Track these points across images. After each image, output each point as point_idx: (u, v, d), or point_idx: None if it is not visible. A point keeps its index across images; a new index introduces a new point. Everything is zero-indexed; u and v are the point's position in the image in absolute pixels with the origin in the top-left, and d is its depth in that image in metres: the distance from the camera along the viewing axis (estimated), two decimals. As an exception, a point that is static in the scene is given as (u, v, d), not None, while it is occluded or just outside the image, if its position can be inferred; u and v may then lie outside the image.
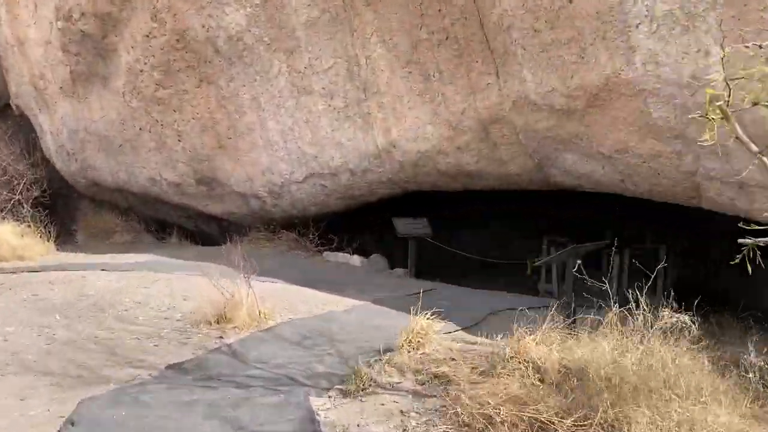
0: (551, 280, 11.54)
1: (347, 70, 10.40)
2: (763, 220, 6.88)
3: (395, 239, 12.14)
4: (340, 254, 12.44)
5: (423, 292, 7.04)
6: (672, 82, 6.41)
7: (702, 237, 12.49)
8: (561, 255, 7.63)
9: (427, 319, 5.80)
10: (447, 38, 8.90)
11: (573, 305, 6.83)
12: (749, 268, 3.96)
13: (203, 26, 11.13)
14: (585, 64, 7.20)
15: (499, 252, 14.38)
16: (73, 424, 4.40)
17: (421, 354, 5.56)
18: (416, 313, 5.82)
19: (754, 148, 3.84)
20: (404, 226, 11.35)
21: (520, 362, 4.93)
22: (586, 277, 5.48)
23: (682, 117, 6.57)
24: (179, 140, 12.79)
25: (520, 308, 6.76)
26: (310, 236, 12.84)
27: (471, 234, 15.36)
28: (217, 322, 6.56)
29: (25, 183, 14.72)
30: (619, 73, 6.85)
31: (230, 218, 14.04)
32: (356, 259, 12.13)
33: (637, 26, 6.49)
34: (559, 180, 9.53)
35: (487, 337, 6.20)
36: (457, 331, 6.75)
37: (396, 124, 10.30)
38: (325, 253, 12.64)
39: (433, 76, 9.40)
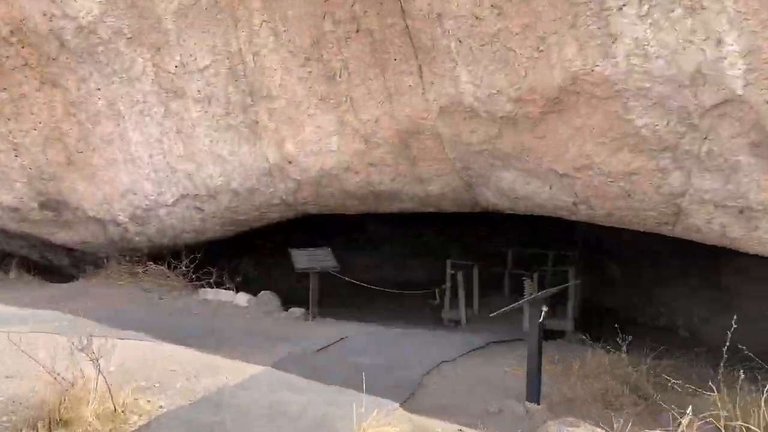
0: (457, 306, 10.24)
1: (229, 70, 8.40)
2: (762, 252, 5.73)
3: (288, 265, 10.17)
4: (222, 291, 10.23)
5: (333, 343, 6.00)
6: (667, 80, 5.03)
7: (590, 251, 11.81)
8: (526, 301, 6.06)
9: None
10: (358, 30, 7.16)
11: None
12: None
13: (45, 14, 8.71)
14: (544, 58, 5.71)
15: (396, 275, 13.06)
16: None
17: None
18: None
19: None
20: (304, 259, 9.40)
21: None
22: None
23: (678, 124, 5.20)
24: (16, 155, 10.14)
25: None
26: (183, 269, 10.61)
27: (366, 257, 13.87)
28: (49, 430, 4.34)
29: None
30: (593, 69, 5.40)
31: (84, 248, 11.49)
32: (242, 298, 9.99)
33: (620, 8, 5.07)
34: (491, 202, 8.05)
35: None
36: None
37: (292, 134, 8.42)
38: (203, 290, 10.38)
39: (340, 77, 7.62)
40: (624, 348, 6.02)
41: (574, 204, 6.88)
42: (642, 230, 6.67)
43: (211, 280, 10.44)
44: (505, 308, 5.49)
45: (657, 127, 5.31)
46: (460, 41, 6.30)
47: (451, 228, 13.09)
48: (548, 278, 10.42)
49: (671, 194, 5.74)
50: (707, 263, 9.98)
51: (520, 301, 5.93)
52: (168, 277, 10.69)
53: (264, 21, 7.81)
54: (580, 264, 10.83)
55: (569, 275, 9.85)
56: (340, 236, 12.97)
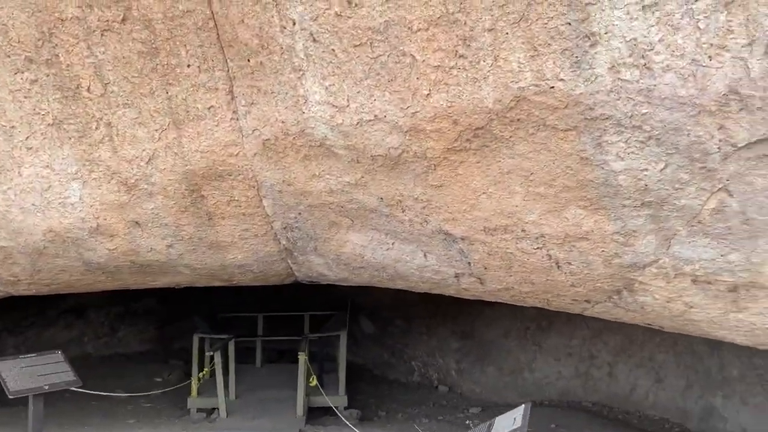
0: (210, 390, 7.58)
1: None
2: (741, 342, 4.42)
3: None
4: None
5: None
6: (679, 104, 3.30)
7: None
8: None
9: None
10: (124, 19, 4.36)
11: None
12: None
13: None
14: (468, 68, 3.65)
15: (104, 348, 10.15)
16: None
17: None
18: None
19: None
20: (18, 376, 5.92)
21: None
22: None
23: (681, 170, 3.51)
24: None
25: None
26: None
27: (64, 330, 10.48)
28: None
29: None
30: (552, 86, 3.48)
31: None
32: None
33: (609, -7, 3.20)
34: (318, 273, 5.87)
35: None
36: None
37: (4, 180, 5.28)
38: None
39: (89, 91, 4.74)
40: None
41: (457, 277, 4.99)
42: (530, 305, 5.03)
43: None
44: None
45: (645, 174, 3.58)
46: (314, 39, 3.95)
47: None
48: (313, 345, 8.35)
49: (629, 266, 4.11)
50: (460, 315, 9.23)
51: None
52: None
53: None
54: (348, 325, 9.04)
55: (340, 341, 8.01)
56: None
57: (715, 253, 3.74)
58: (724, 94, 3.16)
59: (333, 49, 3.91)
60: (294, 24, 3.95)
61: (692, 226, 3.69)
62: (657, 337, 8.22)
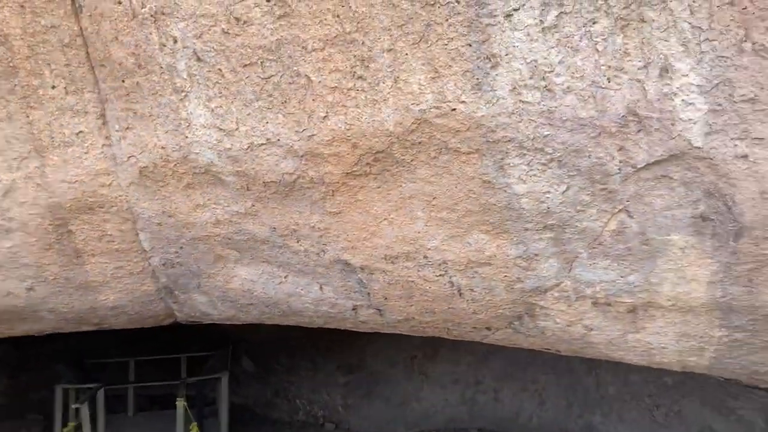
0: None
1: None
2: (637, 362, 4.46)
3: None
4: None
5: None
6: (580, 125, 3.29)
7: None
8: None
9: None
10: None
11: None
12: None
13: None
14: (367, 90, 3.48)
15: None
16: None
17: None
18: None
19: None
20: None
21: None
22: None
23: (582, 191, 3.50)
24: None
25: None
26: None
27: None
28: None
29: None
30: (454, 108, 3.38)
31: None
32: None
33: (509, 15, 3.15)
34: (201, 312, 5.46)
35: None
36: None
37: None
38: None
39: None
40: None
41: (355, 309, 4.78)
42: (429, 336, 4.91)
43: None
44: None
45: (548, 196, 3.55)
46: (199, 58, 3.64)
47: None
48: (192, 388, 7.88)
49: (531, 290, 4.07)
50: (346, 348, 9.22)
51: None
52: None
53: None
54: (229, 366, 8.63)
55: (222, 383, 7.63)
56: None
57: (616, 274, 3.76)
58: (623, 116, 3.18)
59: (220, 69, 3.62)
60: (175, 42, 3.63)
61: (593, 248, 3.69)
62: (539, 359, 8.38)
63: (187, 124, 3.89)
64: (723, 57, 2.94)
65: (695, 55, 2.98)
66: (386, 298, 4.52)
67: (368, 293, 4.53)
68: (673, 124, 3.11)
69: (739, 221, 3.26)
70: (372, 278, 4.38)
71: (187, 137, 3.94)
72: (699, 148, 3.12)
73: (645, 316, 3.96)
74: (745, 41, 2.89)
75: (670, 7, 2.95)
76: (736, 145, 3.07)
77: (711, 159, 3.13)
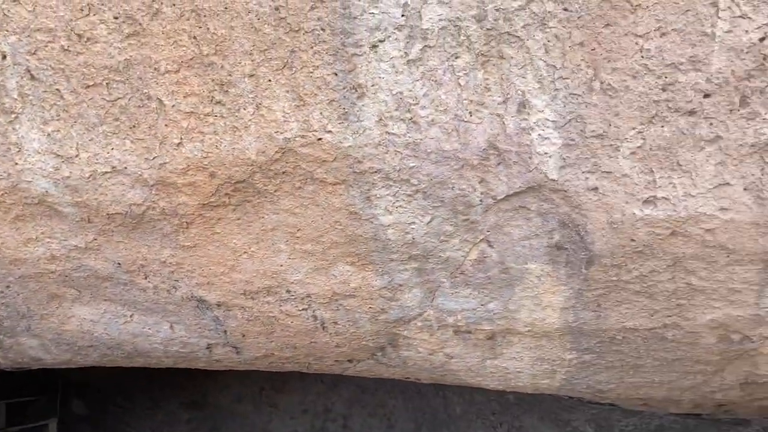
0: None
1: None
2: (494, 387, 4.53)
3: None
4: None
5: None
6: (444, 158, 3.31)
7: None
8: None
9: None
10: None
11: None
12: None
13: None
14: (227, 116, 3.29)
15: None
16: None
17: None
18: None
19: None
20: None
21: None
22: None
23: (446, 222, 3.52)
24: None
25: None
26: None
27: None
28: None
29: None
30: (320, 138, 3.28)
31: None
32: None
33: (375, 46, 3.12)
34: (31, 357, 4.93)
35: None
36: None
37: None
38: None
39: None
40: None
41: (209, 348, 4.51)
42: (288, 371, 4.76)
43: None
44: None
45: (413, 227, 3.54)
46: (33, 77, 3.25)
47: None
48: None
49: (395, 321, 4.05)
50: (190, 384, 8.97)
51: None
52: None
53: None
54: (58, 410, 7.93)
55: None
56: None
57: (476, 302, 3.83)
58: (484, 149, 3.25)
59: (58, 89, 3.27)
60: (4, 57, 3.23)
61: (455, 277, 3.73)
62: (388, 383, 8.46)
63: (18, 149, 3.47)
64: (575, 94, 3.10)
65: (550, 92, 3.11)
66: (244, 335, 4.29)
67: (225, 331, 4.28)
68: (530, 158, 3.22)
69: (590, 250, 3.44)
70: (229, 315, 4.14)
71: (17, 164, 3.51)
72: (554, 180, 3.26)
73: (503, 343, 4.07)
74: (594, 80, 3.07)
75: (527, 45, 3.07)
76: (587, 178, 3.24)
77: (565, 191, 3.28)
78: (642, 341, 3.91)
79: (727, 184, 3.18)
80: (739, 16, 2.90)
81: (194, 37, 3.13)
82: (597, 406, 6.82)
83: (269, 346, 4.36)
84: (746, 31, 2.92)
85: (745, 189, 3.16)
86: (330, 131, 3.25)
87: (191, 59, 3.19)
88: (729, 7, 2.89)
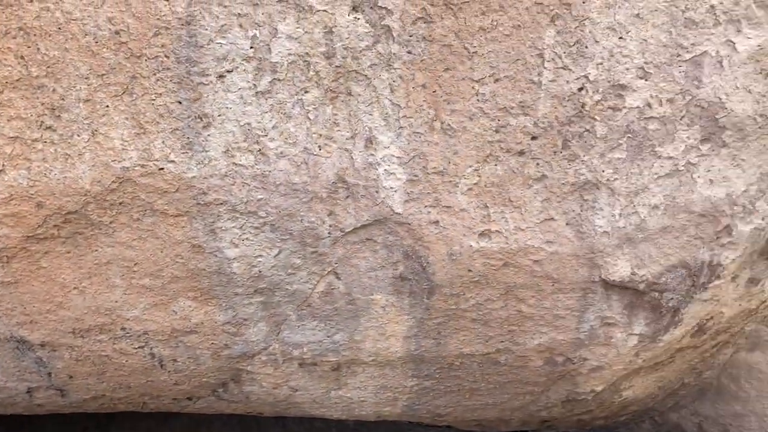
0: None
1: None
2: (338, 416, 4.50)
3: None
4: None
5: None
6: (293, 190, 3.30)
7: None
8: None
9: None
10: None
11: None
12: None
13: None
14: (59, 143, 3.05)
15: None
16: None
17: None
18: None
19: None
20: None
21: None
22: None
23: (294, 255, 3.50)
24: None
25: None
26: None
27: None
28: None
29: None
30: (161, 168, 3.15)
31: None
32: None
33: (222, 76, 3.05)
34: None
35: None
36: None
37: None
38: None
39: None
40: None
41: (30, 392, 4.12)
42: (120, 411, 4.47)
43: None
44: None
45: (260, 260, 3.48)
46: None
47: None
48: None
49: (239, 356, 3.94)
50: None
51: None
52: None
53: None
54: None
55: None
56: None
57: (323, 334, 3.84)
58: (333, 182, 3.30)
59: None
60: None
61: (302, 309, 3.72)
62: (224, 416, 8.22)
63: None
64: (418, 133, 3.25)
65: (395, 130, 3.24)
66: (72, 377, 3.96)
67: (49, 373, 3.92)
68: (377, 192, 3.32)
69: (431, 280, 3.59)
70: (55, 355, 3.81)
71: None
72: (399, 214, 3.38)
73: (348, 373, 4.11)
74: (436, 120, 3.24)
75: (374, 84, 3.17)
76: (429, 212, 3.39)
77: (409, 224, 3.41)
78: (478, 366, 4.12)
79: (552, 219, 3.47)
80: (561, 68, 3.21)
81: (21, 57, 2.90)
82: (434, 429, 7.08)
83: (100, 387, 4.06)
84: (567, 81, 3.24)
85: (567, 224, 3.47)
86: (173, 161, 3.14)
87: (17, 80, 2.95)
88: (553, 59, 3.19)
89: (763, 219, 3.65)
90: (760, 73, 3.34)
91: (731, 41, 3.27)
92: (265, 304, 3.69)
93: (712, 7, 3.22)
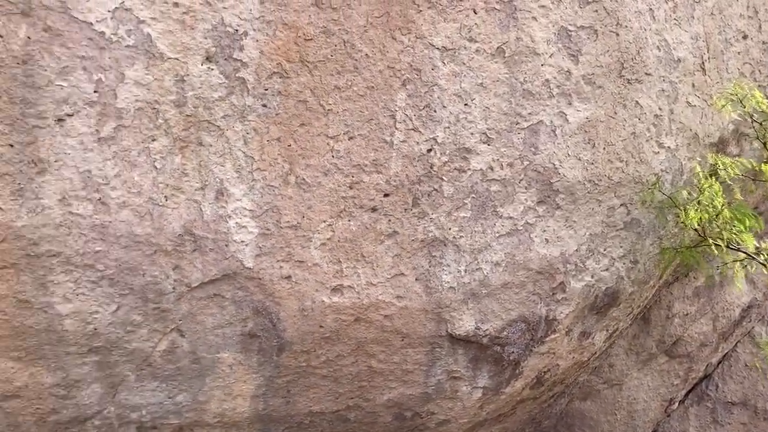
0: None
1: None
2: None
3: None
4: None
5: None
6: (135, 242, 3.10)
7: None
8: None
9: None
10: None
11: None
12: None
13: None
14: None
15: None
16: None
17: None
18: None
19: None
20: None
21: None
22: None
23: (134, 311, 3.26)
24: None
25: None
26: None
27: None
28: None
29: None
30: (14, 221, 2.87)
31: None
32: None
33: (59, 120, 2.85)
34: None
35: None
36: None
37: None
38: None
39: None
40: None
41: None
42: None
43: None
44: None
45: (96, 317, 3.20)
46: None
47: None
48: None
49: (68, 421, 3.58)
50: None
51: None
52: None
53: None
54: None
55: None
56: None
57: (164, 395, 3.61)
58: (179, 235, 3.17)
59: None
60: None
61: (142, 369, 3.49)
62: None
63: None
64: (272, 186, 3.23)
65: (248, 182, 3.19)
66: None
67: None
68: (227, 245, 3.23)
69: (282, 337, 3.51)
70: None
71: None
72: (250, 268, 3.30)
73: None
74: (290, 174, 3.24)
75: (227, 135, 3.13)
76: (281, 267, 3.34)
77: (260, 279, 3.34)
78: (327, 424, 4.05)
79: (402, 274, 3.54)
80: (412, 129, 3.34)
81: None
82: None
83: None
84: (417, 142, 3.37)
85: (416, 279, 3.56)
86: (1, 209, 2.87)
87: None
88: (404, 120, 3.32)
89: (592, 276, 3.96)
90: (589, 142, 3.68)
91: (563, 112, 3.58)
92: (100, 363, 3.42)
93: (547, 80, 3.51)
